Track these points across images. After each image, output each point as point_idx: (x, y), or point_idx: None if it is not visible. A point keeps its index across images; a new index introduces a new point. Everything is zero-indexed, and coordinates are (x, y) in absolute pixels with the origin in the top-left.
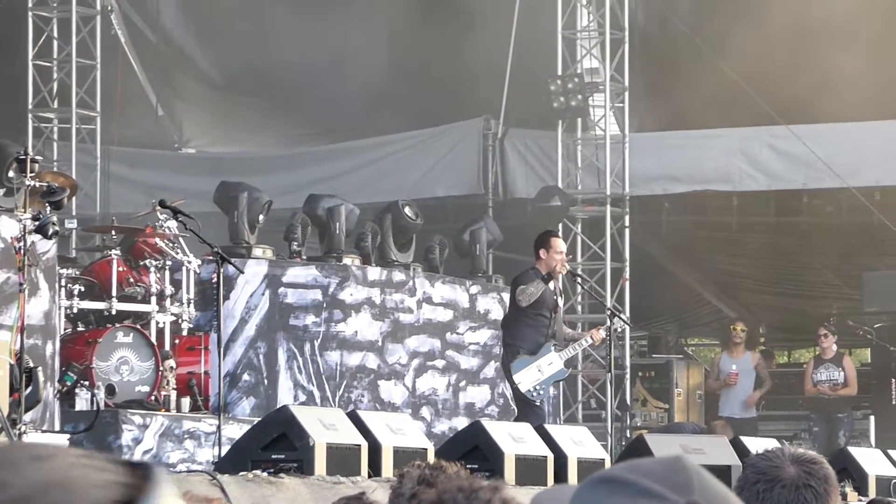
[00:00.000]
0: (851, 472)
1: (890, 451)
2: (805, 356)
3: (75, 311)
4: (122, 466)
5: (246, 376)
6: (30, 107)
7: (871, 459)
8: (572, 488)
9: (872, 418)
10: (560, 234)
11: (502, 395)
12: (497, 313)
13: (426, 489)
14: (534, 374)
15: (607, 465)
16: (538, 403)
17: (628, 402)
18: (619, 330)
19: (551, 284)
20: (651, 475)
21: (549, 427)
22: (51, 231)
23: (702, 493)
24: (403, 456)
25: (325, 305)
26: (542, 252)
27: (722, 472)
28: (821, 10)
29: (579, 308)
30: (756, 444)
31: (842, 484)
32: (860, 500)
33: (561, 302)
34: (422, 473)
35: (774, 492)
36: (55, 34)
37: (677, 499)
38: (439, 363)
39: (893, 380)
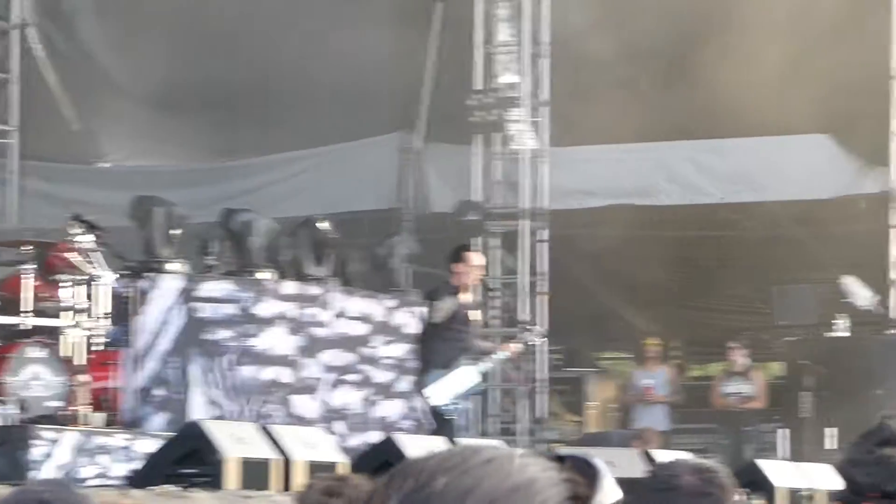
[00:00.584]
0: (760, 485)
1: (799, 464)
2: (719, 370)
3: None
4: (562, 463)
5: (159, 391)
6: None
7: (780, 472)
8: None
9: (782, 431)
10: (477, 248)
11: (417, 410)
12: (413, 327)
13: (331, 500)
14: (448, 388)
15: None
16: (451, 417)
17: (542, 415)
18: (534, 344)
19: (466, 298)
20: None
21: (464, 440)
22: None
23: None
24: (316, 470)
25: (239, 320)
26: (456, 266)
27: (631, 484)
28: (740, 24)
29: (494, 322)
30: (668, 458)
31: (751, 497)
32: None
33: (476, 316)
34: (327, 485)
35: (671, 501)
36: None
37: None
38: (354, 377)
39: (804, 393)
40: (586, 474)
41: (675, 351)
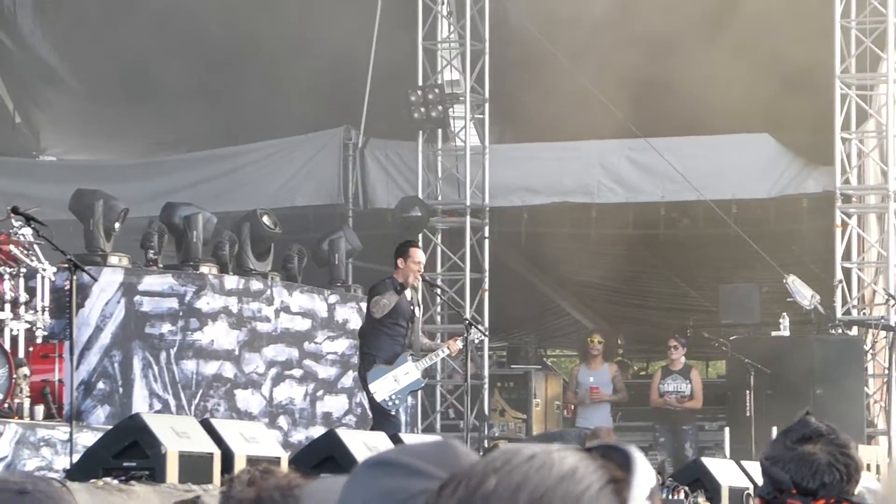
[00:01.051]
0: (704, 483)
1: (743, 463)
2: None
3: None
4: (595, 452)
5: (101, 384)
6: None
7: (724, 470)
8: (342, 479)
9: (727, 430)
10: (420, 244)
11: (360, 405)
12: (355, 323)
13: (248, 490)
14: (390, 384)
15: None
16: (394, 413)
17: (486, 412)
18: (478, 340)
19: (409, 294)
20: (422, 456)
21: (405, 436)
22: None
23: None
24: (256, 464)
25: (181, 314)
26: (399, 261)
27: None
28: (680, 22)
29: (438, 318)
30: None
31: (695, 494)
32: None
33: (419, 312)
34: (251, 476)
35: None
36: None
37: (444, 475)
38: (297, 372)
39: (748, 392)
40: (618, 461)
41: (619, 349)
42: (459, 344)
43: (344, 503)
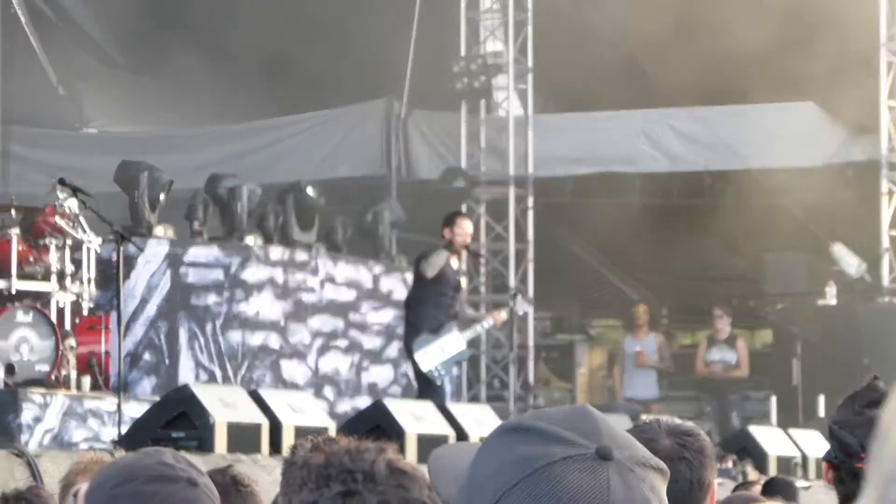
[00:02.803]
0: (752, 452)
1: (791, 431)
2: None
3: None
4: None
5: (147, 356)
6: None
7: (772, 439)
8: (473, 445)
9: (774, 398)
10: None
11: (405, 375)
12: (400, 294)
13: (316, 455)
14: (435, 354)
15: None
16: (439, 383)
17: (531, 382)
18: (522, 311)
19: (455, 264)
20: (559, 423)
21: (452, 406)
22: None
23: (610, 438)
24: (305, 434)
25: (226, 285)
26: (446, 231)
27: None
28: None
29: (482, 289)
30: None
31: (742, 463)
32: (760, 479)
33: (464, 283)
34: (315, 443)
35: None
36: None
37: (588, 444)
38: (342, 343)
39: (794, 360)
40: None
41: (664, 318)
42: (504, 315)
43: (476, 469)
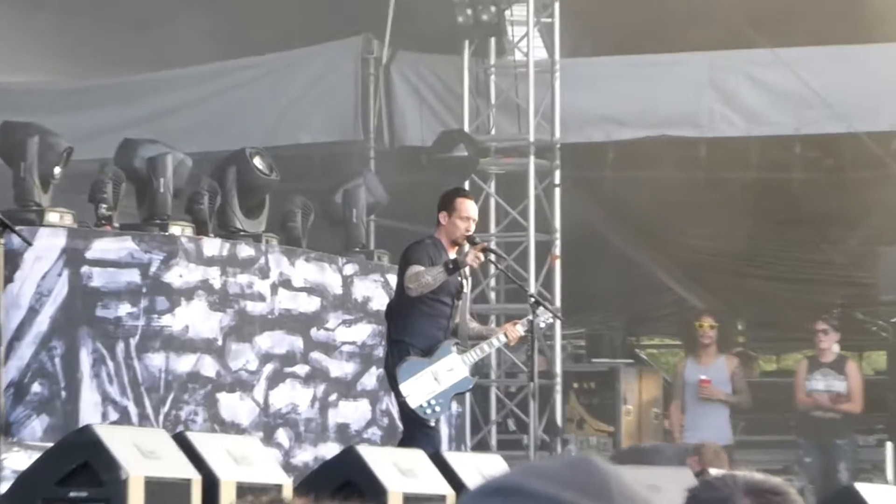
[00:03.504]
0: None
1: None
2: (800, 361)
3: None
4: None
5: (36, 387)
6: None
7: (886, 500)
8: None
9: (889, 445)
10: (469, 193)
11: (386, 413)
12: (380, 301)
13: None
14: (428, 384)
15: None
16: (432, 423)
17: (559, 423)
18: (546, 325)
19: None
20: (557, 480)
21: (450, 455)
22: None
23: (623, 498)
24: (249, 494)
25: (144, 291)
26: (442, 217)
27: None
28: None
29: (492, 295)
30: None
31: None
32: None
33: (467, 286)
34: None
35: None
36: None
37: None
38: (301, 369)
39: None
40: None
41: (739, 336)
42: (521, 329)
43: None
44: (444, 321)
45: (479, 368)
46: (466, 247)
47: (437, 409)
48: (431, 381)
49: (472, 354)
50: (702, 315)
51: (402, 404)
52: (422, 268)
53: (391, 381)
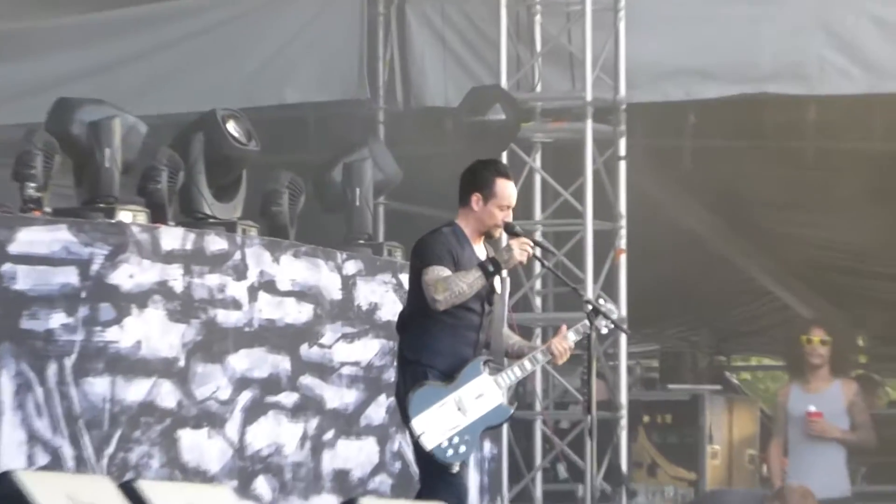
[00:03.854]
0: None
1: None
2: None
3: None
4: None
5: None
6: None
7: None
8: None
9: None
10: (508, 170)
11: (399, 456)
12: (391, 310)
13: None
14: (449, 416)
15: None
16: (456, 469)
17: (624, 469)
18: (604, 330)
19: (484, 255)
20: None
21: None
22: None
23: None
24: None
25: (84, 296)
26: (475, 199)
27: None
28: None
29: (538, 301)
30: None
31: None
32: None
33: (504, 288)
34: None
35: None
36: None
37: None
38: (288, 399)
39: None
40: None
41: (860, 354)
42: (571, 341)
43: None
44: (473, 335)
45: (521, 397)
46: (505, 238)
47: (463, 449)
48: (454, 413)
49: (509, 375)
50: (811, 327)
51: (417, 444)
52: (447, 271)
53: (403, 415)
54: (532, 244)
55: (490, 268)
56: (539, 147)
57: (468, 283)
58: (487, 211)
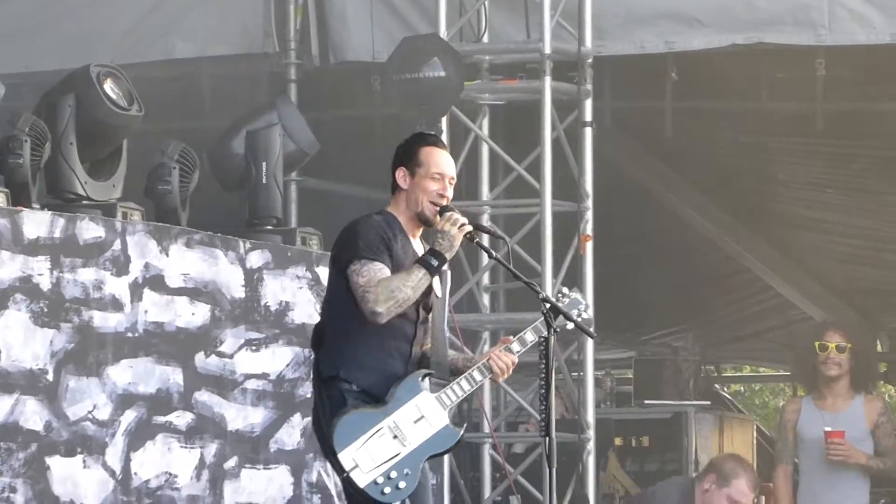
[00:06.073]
0: None
1: None
2: None
3: None
4: None
5: None
6: None
7: None
8: None
9: None
10: (444, 139)
11: (319, 489)
12: (305, 310)
13: None
14: (385, 447)
15: None
16: None
17: (590, 499)
18: (570, 343)
19: (418, 247)
20: None
21: None
22: None
23: None
24: None
25: None
26: (401, 175)
27: None
28: None
29: (485, 299)
30: None
31: None
32: None
33: (443, 286)
34: None
35: None
36: None
37: None
38: (180, 419)
39: None
40: None
41: (882, 364)
42: (514, 352)
43: None
44: (406, 346)
45: (466, 416)
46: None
47: (403, 484)
48: (390, 442)
49: (453, 393)
50: (826, 330)
51: (347, 481)
52: (386, 269)
53: (325, 448)
54: (474, 230)
55: (433, 262)
56: (487, 111)
57: (412, 286)
58: (418, 185)
